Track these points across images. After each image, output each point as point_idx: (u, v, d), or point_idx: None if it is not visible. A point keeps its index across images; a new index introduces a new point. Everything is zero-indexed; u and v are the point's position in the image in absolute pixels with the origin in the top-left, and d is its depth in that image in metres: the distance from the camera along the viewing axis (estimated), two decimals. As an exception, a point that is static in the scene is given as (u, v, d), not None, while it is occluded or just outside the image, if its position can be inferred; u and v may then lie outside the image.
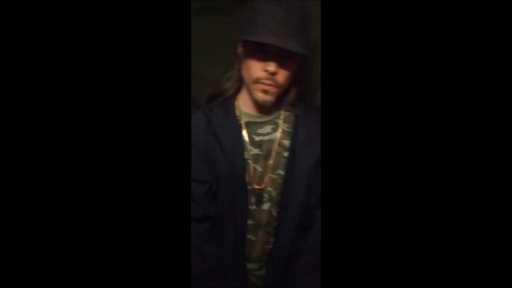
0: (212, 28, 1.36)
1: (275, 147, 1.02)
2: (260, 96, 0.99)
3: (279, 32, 0.90)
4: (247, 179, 1.00)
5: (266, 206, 1.02)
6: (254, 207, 1.01)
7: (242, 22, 0.97)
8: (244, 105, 1.05)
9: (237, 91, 1.05)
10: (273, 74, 0.95)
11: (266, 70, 0.95)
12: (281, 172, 1.01)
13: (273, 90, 0.98)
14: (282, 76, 0.97)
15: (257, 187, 1.01)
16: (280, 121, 1.04)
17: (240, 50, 1.00)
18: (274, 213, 1.02)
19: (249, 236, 1.02)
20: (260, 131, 1.03)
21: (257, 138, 1.02)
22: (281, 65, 0.95)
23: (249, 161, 1.01)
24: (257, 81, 0.97)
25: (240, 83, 1.04)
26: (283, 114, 1.05)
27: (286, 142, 1.03)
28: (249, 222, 1.01)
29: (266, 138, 1.03)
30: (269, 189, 1.02)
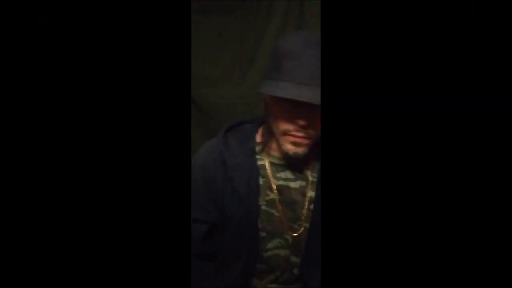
0: (212, 28, 1.37)
1: (297, 195, 0.93)
2: (291, 148, 0.87)
3: (308, 82, 0.79)
4: (261, 226, 0.92)
5: (296, 184, 0.93)
6: (271, 252, 0.93)
7: (269, 68, 0.87)
8: (269, 149, 0.95)
9: (265, 137, 0.94)
10: (304, 127, 0.84)
11: (295, 123, 0.84)
12: (305, 224, 0.93)
13: (305, 142, 0.86)
14: (314, 128, 0.85)
15: (295, 235, 0.92)
16: (303, 167, 0.94)
17: (267, 98, 0.89)
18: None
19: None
20: (280, 175, 0.93)
21: (276, 183, 0.93)
22: (313, 117, 0.83)
23: (263, 208, 0.92)
24: (286, 133, 0.86)
25: (269, 133, 0.92)
26: (312, 165, 0.94)
27: (310, 192, 0.93)
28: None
29: (286, 183, 0.93)
30: (287, 237, 0.93)
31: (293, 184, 0.93)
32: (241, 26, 1.36)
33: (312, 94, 0.78)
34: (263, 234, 0.92)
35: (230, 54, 1.38)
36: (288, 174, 0.93)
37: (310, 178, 0.93)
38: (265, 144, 0.93)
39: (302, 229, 0.92)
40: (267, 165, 0.93)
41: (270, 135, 0.92)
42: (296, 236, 0.92)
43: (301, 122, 0.83)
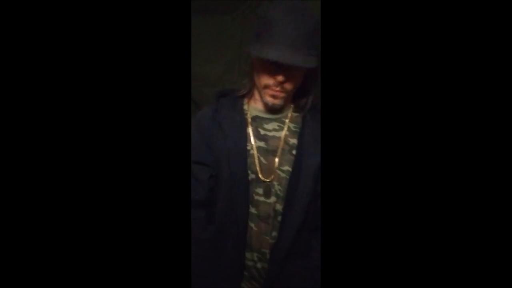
0: (212, 28, 1.37)
1: (281, 143, 1.06)
2: (269, 99, 1.05)
3: (288, 46, 0.95)
4: (251, 170, 1.04)
5: (271, 200, 1.04)
6: (258, 197, 1.04)
7: (254, 32, 1.02)
8: (254, 103, 1.10)
9: (249, 92, 1.10)
10: (282, 82, 1.01)
11: (275, 79, 1.01)
12: (288, 168, 1.04)
13: (281, 95, 1.04)
14: (290, 84, 1.03)
15: (266, 179, 1.04)
16: (287, 120, 1.09)
17: (253, 58, 1.04)
18: (279, 208, 1.04)
19: (250, 224, 1.04)
20: (266, 126, 1.08)
21: (262, 132, 1.07)
22: (290, 75, 1.01)
23: (253, 152, 1.05)
24: (266, 87, 1.03)
25: (252, 86, 1.09)
26: (290, 114, 1.10)
27: (292, 140, 1.07)
28: (252, 210, 1.04)
29: (272, 134, 1.07)
30: (275, 183, 1.05)
31: (277, 134, 1.07)
32: (241, 26, 1.36)
33: (291, 56, 0.95)
34: (252, 176, 1.04)
35: (230, 54, 1.38)
36: (273, 125, 1.08)
37: (292, 128, 1.08)
38: (250, 97, 1.11)
39: (285, 174, 1.05)
40: (254, 117, 1.09)
41: (253, 88, 1.10)
42: (280, 179, 1.05)
43: (280, 78, 1.00)
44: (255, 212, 1.04)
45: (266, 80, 1.02)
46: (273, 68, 0.99)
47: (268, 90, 1.03)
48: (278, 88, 1.02)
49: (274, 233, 1.04)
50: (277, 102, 1.04)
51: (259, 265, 1.05)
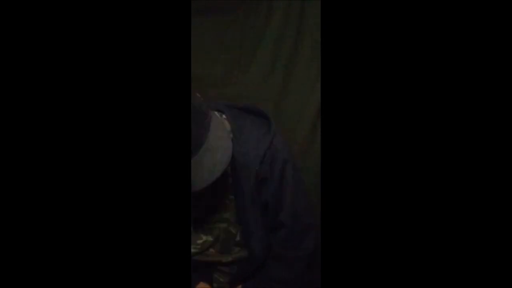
0: (212, 28, 1.37)
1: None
2: None
3: None
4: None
5: (221, 225, 1.09)
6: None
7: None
8: None
9: None
10: None
11: None
12: (231, 196, 1.07)
13: None
14: None
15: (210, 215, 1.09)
16: None
17: None
18: (233, 231, 1.09)
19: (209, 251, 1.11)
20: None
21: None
22: None
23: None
24: None
25: None
26: None
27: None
28: (206, 238, 1.10)
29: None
30: (221, 212, 1.09)
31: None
32: (241, 26, 1.36)
33: None
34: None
35: (230, 54, 1.38)
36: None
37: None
38: None
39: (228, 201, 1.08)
40: None
41: None
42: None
43: None
44: (211, 239, 1.09)
45: None
46: None
47: None
48: None
49: (236, 249, 1.09)
50: None
51: (221, 278, 1.12)
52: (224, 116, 1.08)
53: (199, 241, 1.10)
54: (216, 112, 1.06)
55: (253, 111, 1.12)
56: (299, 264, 1.07)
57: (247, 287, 1.11)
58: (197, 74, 1.32)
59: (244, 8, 1.36)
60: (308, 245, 1.07)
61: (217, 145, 0.93)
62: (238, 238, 1.10)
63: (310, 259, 1.08)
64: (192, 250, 1.10)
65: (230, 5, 1.36)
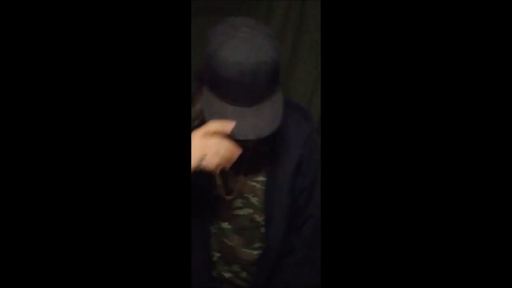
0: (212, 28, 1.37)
1: (246, 222, 1.02)
2: None
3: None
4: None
5: (244, 212, 1.01)
6: (229, 274, 1.02)
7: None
8: None
9: None
10: None
11: None
12: (259, 244, 1.01)
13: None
14: None
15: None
16: (250, 196, 1.02)
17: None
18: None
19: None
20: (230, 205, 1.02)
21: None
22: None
23: (214, 232, 1.02)
24: None
25: None
26: (252, 185, 1.03)
27: (258, 217, 1.01)
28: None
29: (235, 212, 1.02)
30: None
31: (241, 212, 1.01)
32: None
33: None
34: (217, 255, 1.02)
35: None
36: (237, 203, 1.01)
37: (257, 204, 1.01)
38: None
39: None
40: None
41: None
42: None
43: None
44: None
45: None
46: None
47: None
48: None
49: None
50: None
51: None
52: None
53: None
54: None
55: (291, 101, 1.08)
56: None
57: None
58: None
59: (244, 8, 1.36)
60: None
61: (278, 103, 0.89)
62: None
63: None
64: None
65: (230, 5, 1.36)
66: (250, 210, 1.01)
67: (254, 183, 1.00)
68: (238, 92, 0.85)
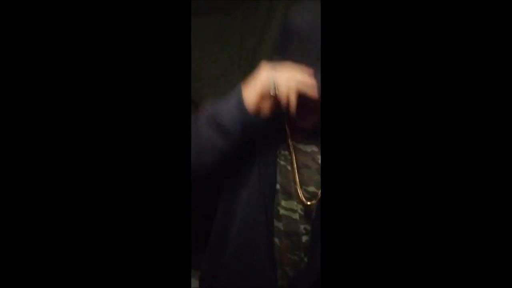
0: (212, 28, 1.37)
1: (308, 160, 0.98)
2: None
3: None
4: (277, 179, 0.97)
5: (295, 216, 0.98)
6: (283, 211, 0.98)
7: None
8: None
9: None
10: None
11: None
12: (314, 189, 0.97)
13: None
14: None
15: (308, 202, 0.96)
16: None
17: None
18: (306, 227, 0.98)
19: (275, 239, 0.98)
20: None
21: (289, 142, 0.99)
22: None
23: (278, 161, 0.98)
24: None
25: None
26: None
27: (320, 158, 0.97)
28: (277, 224, 0.98)
29: (299, 146, 0.99)
30: (297, 200, 0.98)
31: (305, 148, 0.98)
32: (241, 26, 1.36)
33: None
34: (278, 187, 0.96)
35: (230, 54, 1.38)
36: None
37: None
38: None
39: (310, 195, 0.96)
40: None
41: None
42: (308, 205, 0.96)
43: None
44: (281, 227, 0.97)
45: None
46: None
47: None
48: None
49: (302, 255, 0.97)
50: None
51: (279, 282, 0.99)
52: None
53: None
54: None
55: None
56: None
57: None
58: (197, 74, 1.32)
59: (244, 8, 1.36)
60: None
61: None
62: (304, 239, 0.97)
63: None
64: None
65: (230, 5, 1.36)
66: (315, 149, 0.98)
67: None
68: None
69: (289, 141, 0.98)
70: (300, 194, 0.96)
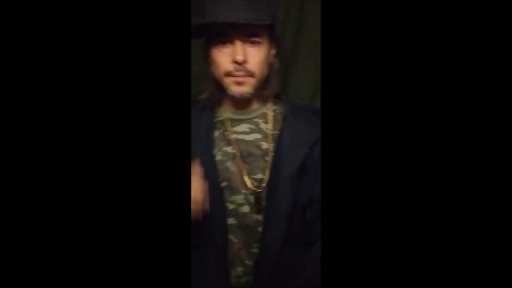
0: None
1: (252, 148, 0.98)
2: (236, 89, 0.93)
3: (237, 8, 0.86)
4: (220, 177, 0.96)
5: (245, 209, 0.97)
6: (233, 206, 0.97)
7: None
8: (226, 104, 1.01)
9: (213, 94, 1.00)
10: (242, 63, 0.90)
11: (234, 61, 0.90)
12: (261, 176, 0.97)
13: (247, 80, 0.92)
14: (253, 64, 0.92)
15: (256, 190, 0.95)
16: (260, 121, 1.00)
17: (206, 47, 0.95)
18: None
19: (230, 236, 0.97)
20: (235, 129, 0.99)
21: (230, 136, 0.98)
22: (249, 51, 0.91)
23: (219, 158, 0.96)
24: (228, 74, 0.92)
25: (217, 84, 0.97)
26: (264, 112, 1.00)
27: (265, 144, 0.98)
28: (229, 221, 0.96)
29: (241, 137, 0.98)
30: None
31: (248, 137, 0.98)
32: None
33: (245, 16, 0.86)
34: (224, 184, 0.95)
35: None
36: (243, 128, 0.98)
37: (266, 130, 0.98)
38: (212, 97, 0.99)
39: (257, 182, 0.96)
40: (224, 119, 0.99)
41: (216, 87, 0.97)
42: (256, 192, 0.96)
43: (239, 58, 0.89)
44: (233, 222, 0.96)
45: (225, 65, 0.91)
46: (228, 45, 0.90)
47: (231, 77, 0.92)
48: (240, 72, 0.90)
49: (256, 245, 0.96)
50: (245, 89, 0.92)
51: (244, 279, 0.98)
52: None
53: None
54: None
55: (300, 104, 1.08)
56: None
57: None
58: (197, 73, 1.32)
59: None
60: None
61: None
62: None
63: None
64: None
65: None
66: (258, 136, 0.98)
67: (265, 110, 0.99)
68: None
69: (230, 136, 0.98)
70: (249, 184, 0.96)
